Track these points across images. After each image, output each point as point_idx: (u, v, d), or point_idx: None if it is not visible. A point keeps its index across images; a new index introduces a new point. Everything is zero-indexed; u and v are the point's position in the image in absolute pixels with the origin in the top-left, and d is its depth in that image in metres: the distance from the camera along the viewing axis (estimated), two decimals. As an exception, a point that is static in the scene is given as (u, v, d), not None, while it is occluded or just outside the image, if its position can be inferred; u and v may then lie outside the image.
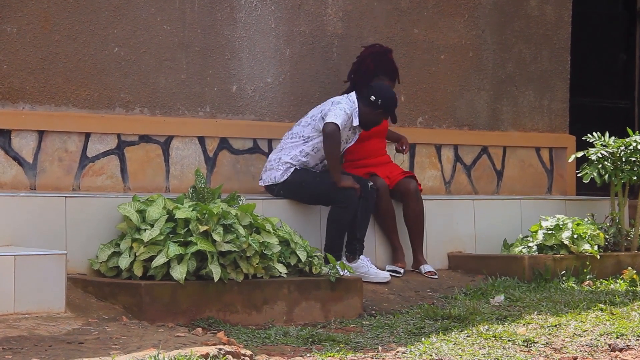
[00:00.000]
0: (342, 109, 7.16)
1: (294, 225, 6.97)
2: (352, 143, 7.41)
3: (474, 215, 8.11)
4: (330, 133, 7.11)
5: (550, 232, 7.92)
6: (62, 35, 7.06)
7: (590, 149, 8.29)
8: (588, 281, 7.66)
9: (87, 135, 7.14)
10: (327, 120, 7.14)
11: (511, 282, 7.49)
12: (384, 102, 7.24)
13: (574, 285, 7.51)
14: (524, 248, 7.93)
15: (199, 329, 5.96)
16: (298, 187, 7.28)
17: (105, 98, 7.22)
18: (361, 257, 7.29)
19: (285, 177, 7.29)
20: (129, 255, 6.29)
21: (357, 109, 7.24)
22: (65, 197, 6.52)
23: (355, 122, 7.24)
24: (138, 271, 6.26)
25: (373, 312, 6.68)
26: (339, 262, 6.72)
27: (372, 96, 7.21)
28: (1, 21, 6.84)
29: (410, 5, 8.46)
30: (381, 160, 7.74)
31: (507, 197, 8.73)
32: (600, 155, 8.18)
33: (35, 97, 6.96)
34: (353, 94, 7.34)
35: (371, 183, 7.31)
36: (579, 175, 8.42)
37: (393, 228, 7.64)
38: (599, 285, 7.58)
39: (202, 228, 6.26)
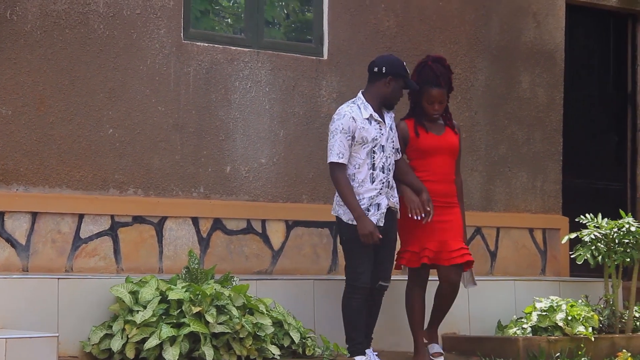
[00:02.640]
0: (333, 133, 6.56)
1: (288, 306, 6.95)
2: (387, 133, 6.69)
3: (468, 296, 8.08)
4: (331, 175, 6.61)
5: (544, 313, 7.90)
6: (57, 117, 7.10)
7: (584, 231, 8.30)
8: (583, 363, 7.62)
9: (81, 217, 7.15)
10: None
11: (505, 364, 7.46)
12: (388, 67, 6.67)
13: (568, 367, 7.48)
14: (518, 329, 7.90)
15: (191, 413, 5.91)
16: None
17: (99, 179, 7.24)
18: (367, 351, 6.70)
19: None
20: (121, 337, 6.26)
21: (364, 101, 6.65)
22: (58, 278, 6.50)
23: (367, 114, 6.61)
24: (130, 353, 6.23)
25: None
26: (332, 343, 6.69)
27: (375, 68, 6.70)
28: (-3, 103, 6.89)
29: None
30: (447, 192, 6.97)
31: (500, 277, 8.72)
32: (593, 237, 8.19)
33: (29, 178, 6.98)
34: (356, 97, 6.79)
35: (383, 284, 6.73)
36: (572, 256, 8.42)
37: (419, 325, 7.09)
38: (594, 368, 7.54)
39: (195, 309, 6.25)
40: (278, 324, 6.66)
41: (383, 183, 6.61)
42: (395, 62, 6.72)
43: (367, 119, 6.59)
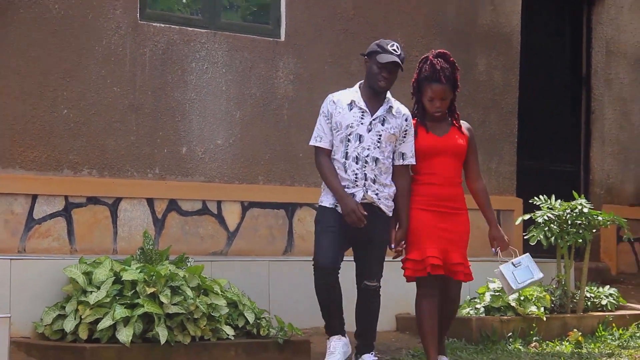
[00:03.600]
0: (319, 116, 6.36)
1: (243, 287, 6.97)
2: (373, 126, 6.24)
3: (422, 277, 8.13)
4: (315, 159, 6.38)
5: (497, 294, 7.97)
6: (11, 97, 7.07)
7: (537, 212, 8.37)
8: (534, 343, 7.70)
9: (34, 197, 7.13)
10: None
11: (458, 344, 7.51)
12: (369, 50, 6.29)
13: (520, 347, 7.55)
14: (471, 310, 7.97)
15: (144, 393, 5.92)
16: None
17: (53, 160, 7.22)
18: (364, 357, 6.42)
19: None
20: (75, 318, 6.25)
21: (357, 88, 6.33)
22: (10, 259, 6.48)
23: (349, 99, 6.27)
24: (83, 334, 6.22)
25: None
26: (287, 324, 6.72)
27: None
28: (-50, 83, 6.86)
29: (360, 69, 8.52)
30: (452, 196, 6.39)
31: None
32: (546, 218, 8.27)
33: (-17, 158, 6.96)
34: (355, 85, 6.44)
35: (368, 283, 6.34)
36: (525, 237, 8.49)
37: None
38: (545, 347, 7.62)
39: (150, 290, 6.25)
40: (233, 304, 6.68)
41: (357, 175, 6.22)
42: (372, 44, 6.33)
43: (349, 104, 6.26)
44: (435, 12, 9.03)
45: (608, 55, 10.59)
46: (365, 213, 6.17)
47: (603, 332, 8.14)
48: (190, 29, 7.84)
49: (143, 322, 6.22)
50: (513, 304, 7.87)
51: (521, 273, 6.59)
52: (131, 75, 7.55)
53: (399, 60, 6.20)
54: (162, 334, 6.18)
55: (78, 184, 7.28)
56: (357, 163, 6.22)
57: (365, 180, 6.22)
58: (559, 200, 8.42)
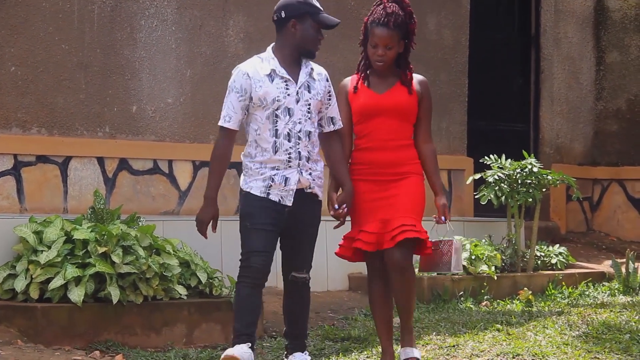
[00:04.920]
0: (227, 92, 5.46)
1: (195, 247, 6.93)
2: (300, 94, 5.43)
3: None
4: (215, 145, 5.49)
5: (448, 253, 8.02)
6: (-43, 54, 6.94)
7: (488, 172, 8.42)
8: (485, 302, 7.77)
9: (-18, 156, 7.03)
10: None
11: (410, 303, 7.55)
12: (287, 10, 5.44)
13: (471, 305, 7.61)
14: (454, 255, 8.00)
15: (97, 352, 5.89)
16: None
17: (1, 118, 7.10)
18: (295, 355, 5.61)
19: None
20: (25, 278, 6.18)
21: (270, 54, 5.44)
22: (-41, 218, 6.39)
23: (267, 69, 5.40)
24: (34, 294, 6.15)
25: (274, 333, 6.67)
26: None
27: (275, 15, 5.47)
28: None
29: (311, 28, 8.50)
30: (400, 160, 5.52)
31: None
32: (497, 178, 8.32)
33: None
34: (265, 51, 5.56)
35: (296, 275, 5.53)
36: (476, 197, 8.55)
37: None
38: (496, 306, 7.69)
39: (101, 249, 6.19)
40: (185, 264, 6.64)
41: (290, 154, 5.39)
42: (294, 2, 5.41)
43: (268, 74, 5.37)
44: (386, -30, 8.97)
45: (557, 14, 10.63)
46: (214, 232, 5.44)
47: (553, 291, 8.23)
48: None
49: (95, 281, 6.17)
50: (464, 263, 7.92)
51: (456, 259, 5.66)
52: (79, 32, 7.43)
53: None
54: (114, 293, 6.13)
55: (27, 142, 7.17)
56: (289, 141, 5.38)
57: (299, 159, 5.41)
58: (509, 160, 8.48)
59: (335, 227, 5.53)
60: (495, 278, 7.96)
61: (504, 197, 8.29)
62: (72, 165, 7.39)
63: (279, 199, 5.39)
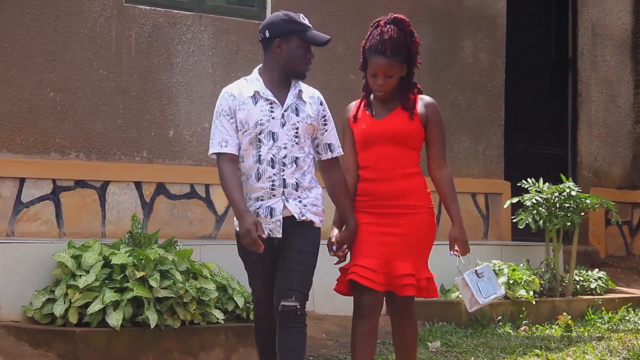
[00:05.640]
0: (214, 119, 5.06)
1: (232, 271, 6.92)
2: (287, 117, 4.97)
3: (411, 260, 8.11)
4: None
5: (486, 277, 7.97)
6: (-3, 80, 7.00)
7: (525, 195, 8.37)
8: (524, 326, 7.71)
9: (22, 181, 7.06)
10: None
11: (448, 328, 7.51)
12: (271, 29, 5.05)
13: (510, 330, 7.55)
14: (460, 294, 7.95)
15: (135, 377, 5.90)
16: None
17: (40, 143, 7.15)
18: None
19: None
20: (64, 302, 6.21)
21: (256, 76, 5.02)
22: (-1, 243, 6.44)
23: (251, 91, 4.96)
24: (73, 318, 6.18)
25: (311, 358, 6.65)
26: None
27: (260, 36, 5.12)
28: None
29: (346, 52, 8.52)
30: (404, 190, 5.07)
31: (443, 242, 8.72)
32: (534, 201, 8.27)
33: (-31, 142, 6.89)
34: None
35: (290, 302, 4.88)
36: (514, 220, 8.50)
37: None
38: (534, 331, 7.62)
39: (139, 274, 6.21)
40: (222, 288, 6.65)
41: (274, 182, 4.92)
42: (278, 20, 5.03)
43: (252, 96, 4.95)
44: (421, -6, 8.99)
45: (594, 37, 10.59)
46: (264, 236, 4.83)
47: (592, 316, 8.15)
48: (176, 11, 7.78)
49: (133, 306, 6.18)
50: (502, 287, 7.86)
51: (485, 286, 5.30)
52: (117, 58, 7.48)
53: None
54: (152, 318, 6.14)
55: (66, 167, 7.21)
56: (273, 167, 4.92)
57: (284, 187, 4.94)
58: (547, 184, 8.43)
59: (336, 264, 5.08)
60: (534, 303, 7.89)
61: (541, 221, 8.23)
62: (110, 190, 7.43)
63: (268, 233, 4.89)
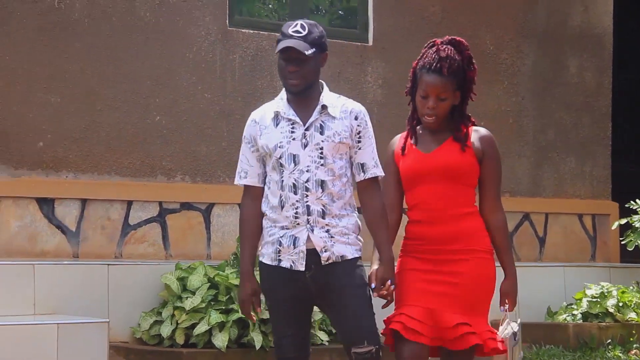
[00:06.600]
0: (242, 144, 4.61)
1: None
2: (310, 137, 4.41)
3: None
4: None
5: (595, 300, 7.82)
6: (105, 105, 7.12)
7: (634, 216, 8.20)
8: (635, 350, 7.54)
9: (129, 203, 7.16)
10: None
11: (556, 351, 7.39)
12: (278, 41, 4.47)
13: (620, 354, 7.40)
14: (568, 316, 7.83)
15: (241, 398, 5.91)
16: None
17: (147, 166, 7.25)
18: None
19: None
20: (171, 323, 6.28)
21: (283, 94, 4.55)
22: (108, 264, 6.54)
23: (273, 112, 4.50)
24: (180, 339, 6.24)
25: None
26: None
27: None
28: (46, 92, 6.92)
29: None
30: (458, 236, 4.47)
31: (550, 264, 8.65)
32: (644, 222, 8.10)
33: (79, 165, 7.01)
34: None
35: (357, 351, 4.36)
36: (623, 242, 8.33)
37: None
38: (645, 354, 7.46)
39: (244, 295, 6.23)
40: (326, 310, 6.64)
41: (297, 209, 4.37)
42: (281, 36, 4.47)
43: (273, 118, 4.48)
44: (524, 14, 8.91)
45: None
46: (260, 310, 4.44)
47: None
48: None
49: (238, 327, 6.22)
50: (611, 310, 7.72)
51: (517, 350, 4.58)
52: (221, 81, 7.56)
53: (298, 44, 4.36)
54: (257, 339, 6.16)
55: (172, 189, 7.30)
56: (295, 193, 4.38)
57: (309, 214, 4.37)
58: (657, 204, 8.25)
59: (383, 307, 4.45)
60: (644, 325, 7.72)
61: (651, 243, 8.06)
62: (215, 212, 7.49)
63: (291, 264, 4.37)
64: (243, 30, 7.67)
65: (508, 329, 4.44)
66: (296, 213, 4.36)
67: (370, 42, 8.21)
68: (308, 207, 4.37)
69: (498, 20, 8.75)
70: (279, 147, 4.39)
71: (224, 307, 6.26)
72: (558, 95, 9.08)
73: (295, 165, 4.38)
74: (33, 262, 6.39)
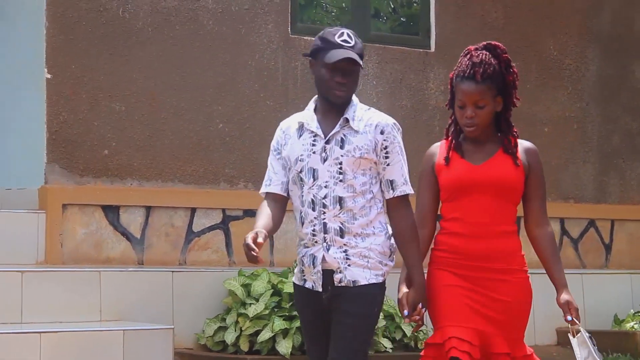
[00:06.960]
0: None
1: (399, 300, 6.89)
2: (330, 151, 4.17)
3: (582, 289, 7.94)
4: None
5: (662, 306, 7.73)
6: (169, 113, 7.17)
7: None
8: (703, 358, 7.42)
9: (193, 210, 7.21)
10: None
11: (623, 359, 7.29)
12: (313, 47, 4.29)
13: (688, 362, 7.29)
14: (635, 324, 7.73)
15: (305, 405, 5.90)
16: None
17: (210, 173, 7.29)
18: None
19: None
20: (235, 330, 6.30)
21: (314, 106, 4.32)
22: (172, 271, 6.58)
23: (298, 123, 4.32)
24: (244, 346, 6.25)
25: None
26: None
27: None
28: (110, 100, 6.99)
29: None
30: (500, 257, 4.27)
31: (616, 271, 8.54)
32: None
33: (143, 173, 7.07)
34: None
35: None
36: None
37: None
38: None
39: (308, 302, 6.23)
40: (389, 317, 6.62)
41: (315, 226, 4.15)
42: (316, 37, 4.33)
43: (298, 129, 4.28)
44: (589, 19, 8.82)
45: None
46: (256, 253, 4.06)
47: None
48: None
49: (301, 334, 6.20)
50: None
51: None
52: (283, 89, 7.58)
53: (355, 55, 4.16)
54: (321, 346, 6.15)
55: (234, 197, 7.33)
56: (313, 209, 4.16)
57: (325, 232, 4.13)
58: None
59: (414, 331, 4.36)
60: None
61: None
62: (278, 219, 7.50)
63: (312, 285, 4.16)
64: (305, 38, 7.68)
65: (582, 336, 4.38)
66: (314, 230, 4.15)
67: (432, 49, 8.18)
68: (325, 224, 4.14)
69: (562, 26, 8.67)
70: (300, 160, 4.19)
71: (287, 314, 6.27)
72: (623, 100, 8.97)
73: (314, 180, 4.16)
74: (99, 269, 6.45)
